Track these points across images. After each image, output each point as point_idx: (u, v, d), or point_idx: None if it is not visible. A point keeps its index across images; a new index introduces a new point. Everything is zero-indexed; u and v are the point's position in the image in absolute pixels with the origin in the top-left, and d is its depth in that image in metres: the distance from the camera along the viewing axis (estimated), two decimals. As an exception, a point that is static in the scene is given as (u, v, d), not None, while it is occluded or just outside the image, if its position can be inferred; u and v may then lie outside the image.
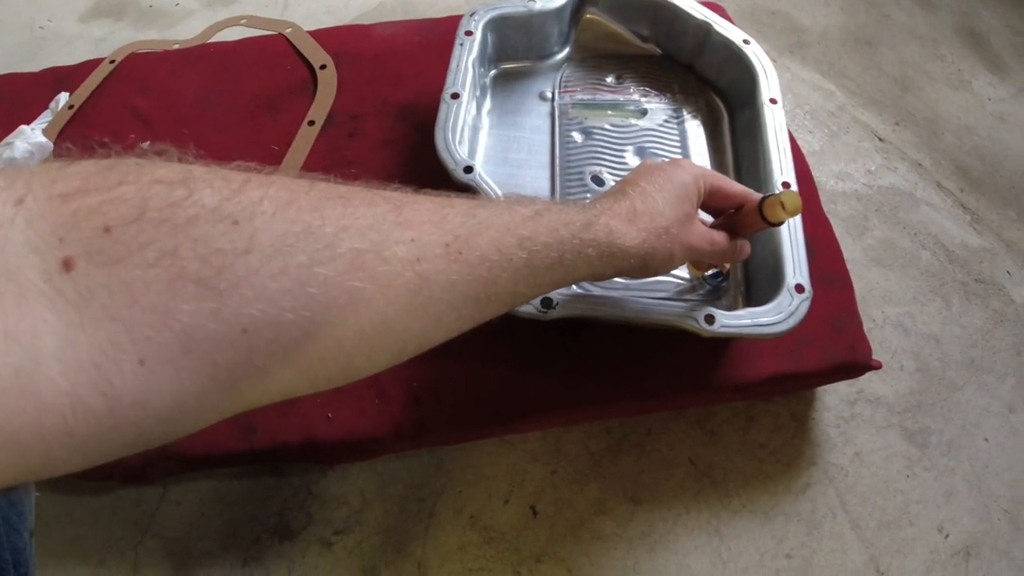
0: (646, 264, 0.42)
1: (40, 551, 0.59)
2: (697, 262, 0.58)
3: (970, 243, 0.82)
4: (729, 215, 0.51)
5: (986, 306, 0.78)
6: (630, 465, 0.64)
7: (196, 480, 0.63)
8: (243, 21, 0.92)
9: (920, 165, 0.89)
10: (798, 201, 0.46)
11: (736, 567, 0.61)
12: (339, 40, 0.79)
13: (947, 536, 0.64)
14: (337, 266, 0.26)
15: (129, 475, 0.58)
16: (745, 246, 0.51)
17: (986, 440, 0.69)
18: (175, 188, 0.23)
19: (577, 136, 0.68)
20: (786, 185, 0.59)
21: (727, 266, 0.61)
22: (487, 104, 0.70)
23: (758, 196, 0.48)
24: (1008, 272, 0.81)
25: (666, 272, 0.45)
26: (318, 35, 0.81)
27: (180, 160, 0.26)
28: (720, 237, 0.48)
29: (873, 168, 0.87)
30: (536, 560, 0.60)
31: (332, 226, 0.26)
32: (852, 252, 0.77)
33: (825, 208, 0.70)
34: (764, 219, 0.47)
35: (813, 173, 0.73)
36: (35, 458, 0.21)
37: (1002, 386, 0.73)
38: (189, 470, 0.59)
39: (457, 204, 0.33)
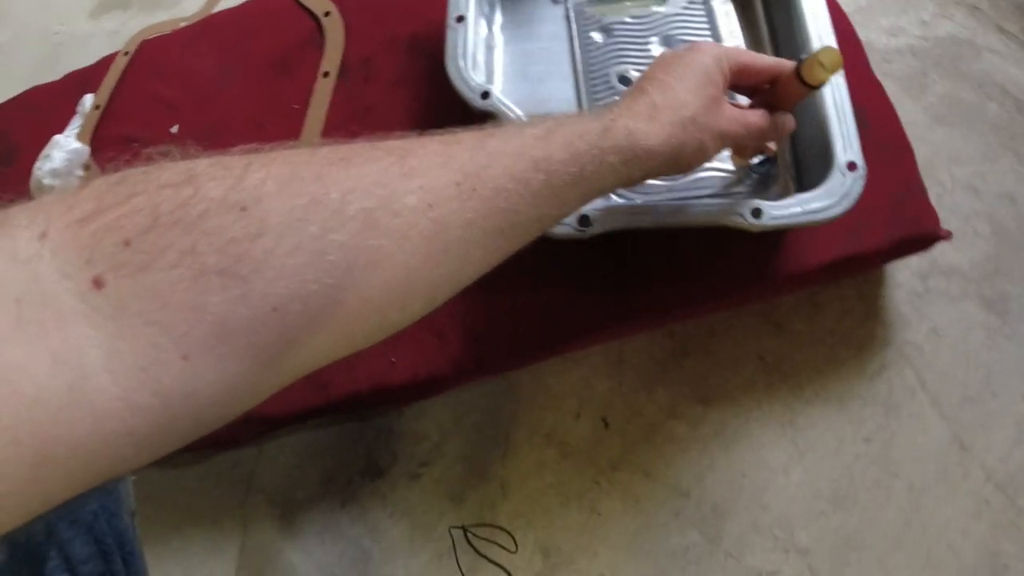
0: (676, 160, 0.40)
1: (154, 523, 0.65)
2: (739, 149, 0.55)
3: (1043, 88, 0.75)
4: (765, 91, 0.48)
5: (1064, 153, 0.71)
6: (696, 367, 0.64)
7: (286, 436, 0.67)
8: (243, -18, 0.90)
9: (977, 8, 0.80)
10: (837, 56, 0.43)
11: (814, 456, 0.61)
12: (340, -17, 0.76)
13: (1036, 407, 0.62)
14: (350, 229, 0.27)
15: (221, 443, 0.62)
16: (788, 120, 0.48)
17: (1072, 301, 0.65)
18: (182, 188, 0.24)
19: (597, 36, 0.65)
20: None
21: (773, 147, 0.57)
22: (498, 19, 0.67)
23: (792, 63, 0.45)
24: (1087, 116, 0.74)
25: (700, 165, 0.43)
26: (319, -17, 0.78)
27: (183, 158, 0.27)
28: (755, 117, 0.45)
29: (927, 18, 0.79)
30: (613, 469, 0.62)
31: (337, 191, 0.27)
32: (912, 114, 0.72)
33: (879, 68, 0.65)
34: (804, 83, 0.44)
35: (861, 32, 0.66)
36: (104, 460, 0.23)
37: (1086, 241, 0.68)
38: (275, 429, 0.63)
39: (464, 140, 0.33)
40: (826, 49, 0.43)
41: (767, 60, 0.46)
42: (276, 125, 0.72)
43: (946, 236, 0.59)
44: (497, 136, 0.33)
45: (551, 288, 0.58)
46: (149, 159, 0.26)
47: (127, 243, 0.23)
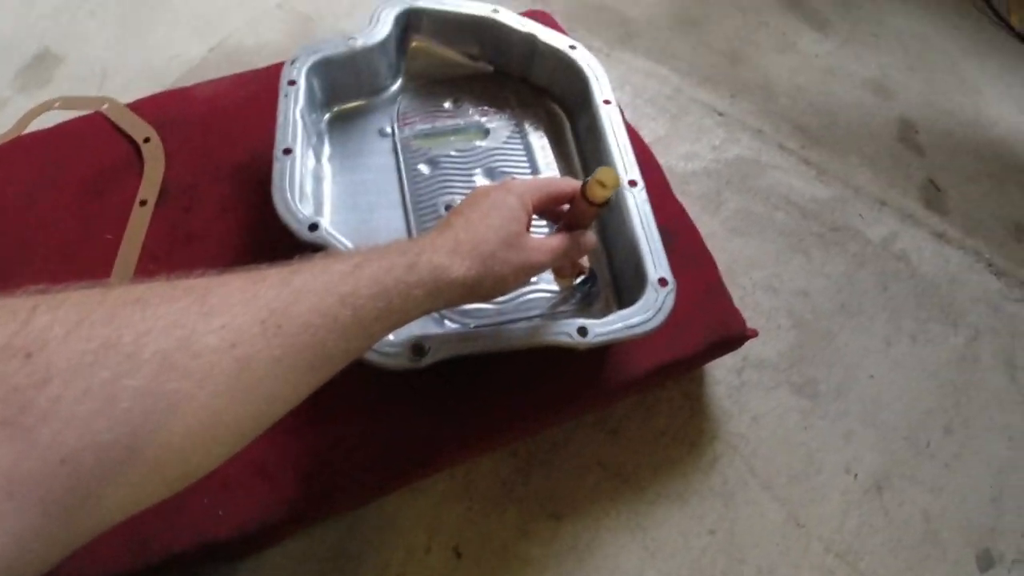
0: (475, 291, 0.43)
1: None
2: (557, 270, 0.59)
3: (819, 195, 0.87)
4: (565, 213, 0.52)
5: (845, 251, 0.83)
6: (542, 482, 0.64)
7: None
8: (57, 104, 0.85)
9: (761, 131, 0.93)
10: (613, 173, 0.47)
11: (664, 555, 0.62)
12: (161, 108, 0.74)
13: (856, 476, 0.68)
14: (145, 373, 0.25)
15: None
16: (588, 237, 0.52)
17: (871, 377, 0.74)
18: None
19: (424, 168, 0.67)
20: (632, 183, 0.60)
21: (585, 265, 0.61)
22: (326, 151, 0.67)
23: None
24: (860, 215, 0.86)
25: (501, 294, 0.46)
26: (138, 106, 0.76)
27: None
28: (558, 242, 0.49)
29: (717, 143, 0.91)
30: (468, 602, 0.59)
31: (131, 333, 0.26)
32: (711, 227, 0.80)
33: (679, 189, 0.72)
34: (590, 202, 0.48)
35: (662, 158, 0.75)
36: None
37: (875, 323, 0.77)
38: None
39: (269, 276, 0.32)
40: (604, 169, 0.47)
41: (566, 185, 0.50)
42: (87, 255, 0.66)
43: (753, 335, 0.65)
44: (304, 272, 0.34)
45: (387, 419, 0.57)
46: None
47: None
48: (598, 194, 0.48)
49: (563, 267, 0.58)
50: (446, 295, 0.40)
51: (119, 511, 0.26)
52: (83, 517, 0.24)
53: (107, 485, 0.24)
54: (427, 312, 0.40)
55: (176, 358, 0.26)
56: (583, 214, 0.50)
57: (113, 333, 0.25)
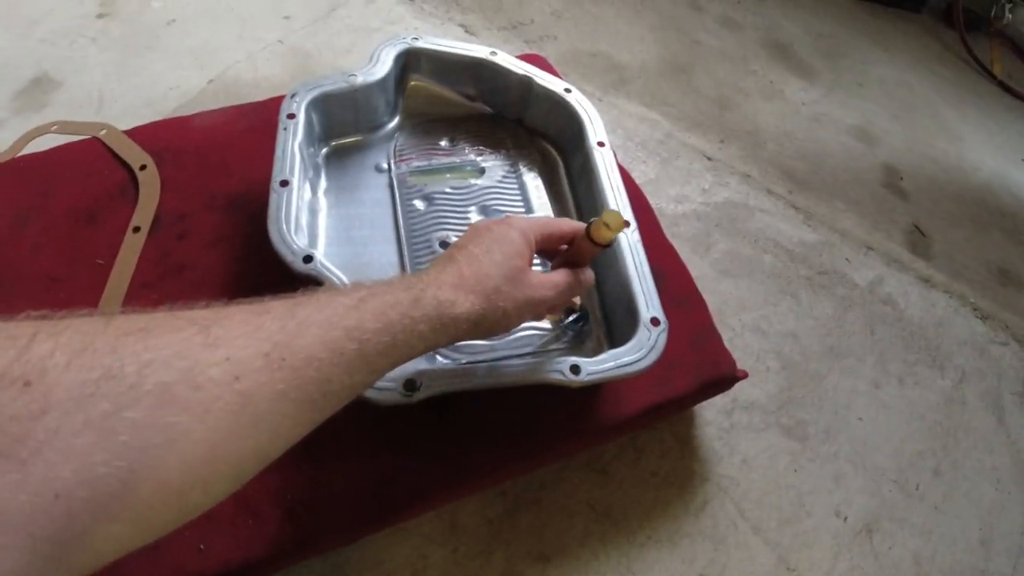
0: (479, 326, 0.42)
1: None
2: (551, 308, 0.59)
3: (806, 239, 0.89)
4: (564, 252, 0.52)
5: (833, 295, 0.84)
6: (531, 523, 0.63)
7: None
8: (54, 128, 0.85)
9: (749, 176, 0.95)
10: (619, 217, 0.48)
11: (653, 600, 0.61)
12: (158, 136, 0.75)
13: (846, 519, 0.67)
14: (145, 405, 0.25)
15: None
16: (588, 275, 0.52)
17: (860, 419, 0.74)
18: None
19: (419, 204, 0.68)
20: (626, 223, 0.61)
21: (577, 301, 0.61)
22: (322, 184, 0.68)
23: (583, 225, 0.50)
24: (847, 259, 0.88)
25: (506, 330, 0.46)
26: (135, 133, 0.76)
27: None
28: (560, 278, 0.49)
29: (707, 186, 0.92)
30: (452, 648, 0.57)
31: (133, 364, 0.25)
32: (701, 269, 0.81)
33: (669, 231, 0.73)
34: (594, 242, 0.49)
35: (653, 200, 0.76)
36: None
37: (863, 366, 0.78)
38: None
39: (273, 308, 0.32)
40: (610, 212, 0.48)
41: (567, 225, 0.51)
42: (76, 281, 0.66)
43: (743, 376, 0.65)
44: (308, 305, 0.33)
45: (375, 457, 0.56)
46: None
47: None
48: (604, 236, 0.48)
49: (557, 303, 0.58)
50: (451, 331, 0.40)
51: (111, 551, 0.25)
52: (73, 556, 0.23)
53: (100, 521, 0.24)
54: (432, 348, 0.40)
55: (177, 390, 0.26)
56: (584, 253, 0.51)
57: (115, 363, 0.25)
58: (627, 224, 0.61)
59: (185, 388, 0.26)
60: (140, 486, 0.24)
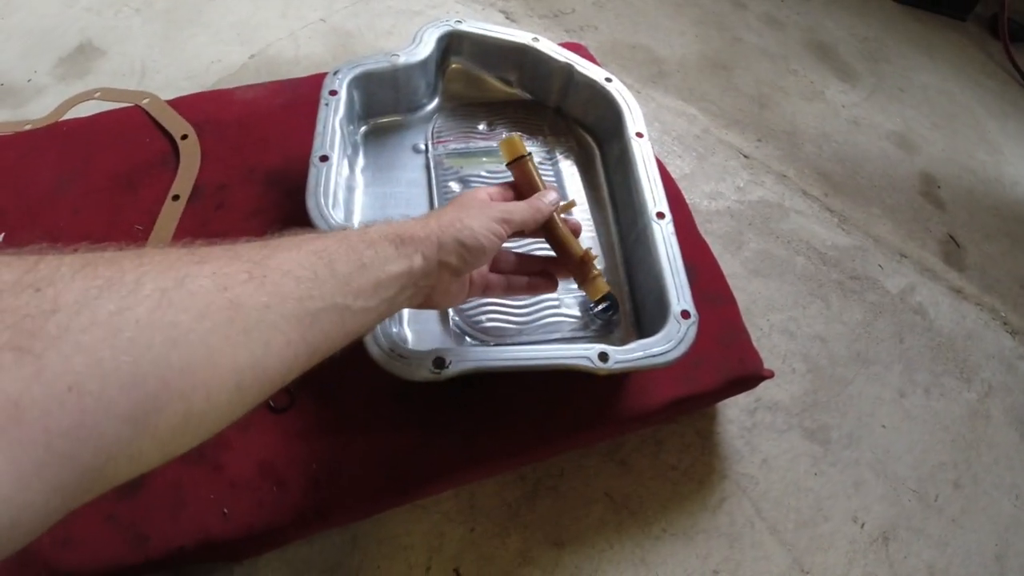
0: (444, 246, 0.44)
1: None
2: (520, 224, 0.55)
3: (840, 243, 0.88)
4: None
5: (864, 300, 0.83)
6: (548, 509, 0.63)
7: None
8: (97, 95, 0.87)
9: (785, 176, 0.94)
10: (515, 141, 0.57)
11: (665, 593, 0.61)
12: (200, 107, 0.76)
13: (863, 525, 0.67)
14: (146, 306, 0.26)
15: None
16: (549, 196, 0.55)
17: (883, 427, 0.73)
18: None
19: (454, 186, 0.68)
20: (660, 215, 0.61)
21: (602, 288, 0.57)
22: (360, 162, 0.68)
23: (546, 192, 0.55)
24: (880, 265, 0.87)
25: (481, 254, 0.47)
26: (177, 104, 0.77)
27: None
28: (515, 207, 0.52)
29: (742, 184, 0.91)
30: (465, 625, 0.58)
31: (132, 273, 0.27)
32: (732, 267, 0.80)
33: (702, 228, 0.73)
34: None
35: (686, 195, 0.75)
36: None
37: (890, 373, 0.77)
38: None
39: (247, 243, 0.35)
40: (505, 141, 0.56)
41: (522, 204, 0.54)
42: (114, 245, 0.67)
43: (769, 375, 0.65)
44: (278, 238, 0.37)
45: (399, 432, 0.57)
46: None
47: None
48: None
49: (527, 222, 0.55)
50: (420, 251, 0.43)
51: (122, 456, 0.26)
52: (86, 457, 0.24)
53: (110, 419, 0.24)
54: (408, 274, 0.42)
55: (174, 295, 0.28)
56: (518, 180, 0.57)
57: (116, 273, 0.26)
58: (660, 215, 0.60)
59: (180, 293, 0.28)
60: (146, 382, 0.26)
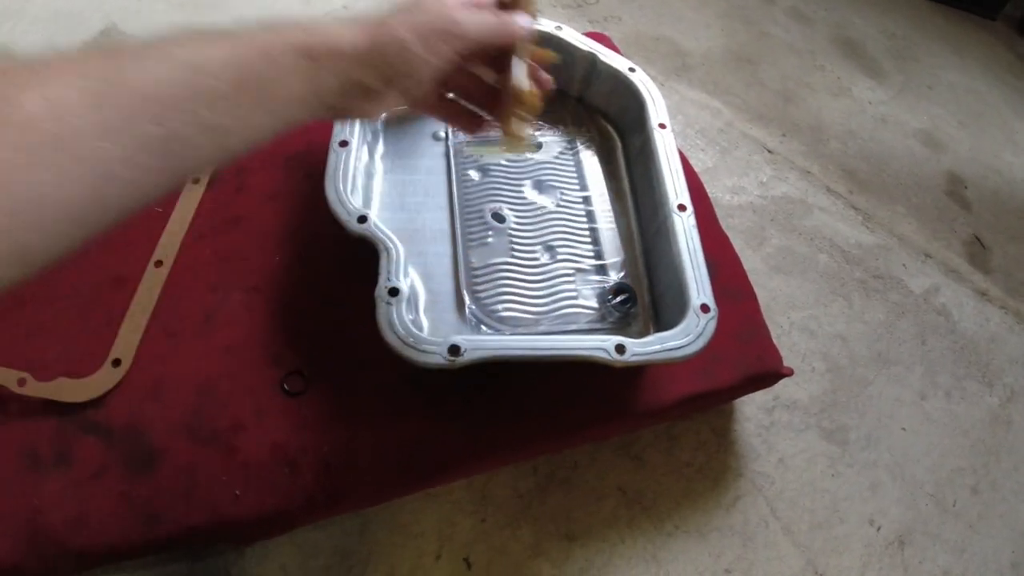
0: (368, 62, 0.35)
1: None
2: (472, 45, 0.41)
3: (864, 241, 0.86)
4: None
5: (886, 300, 0.81)
6: (560, 502, 0.63)
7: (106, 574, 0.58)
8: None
9: (809, 172, 0.93)
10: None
11: (677, 590, 0.61)
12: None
13: (879, 528, 0.66)
14: None
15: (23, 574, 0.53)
16: (522, 19, 0.43)
17: (903, 429, 0.72)
18: None
19: (474, 174, 0.68)
20: (682, 207, 0.60)
21: (517, 132, 0.47)
22: (380, 148, 0.68)
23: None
24: (904, 265, 0.85)
25: (416, 71, 0.37)
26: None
27: None
28: (483, 11, 0.40)
29: (765, 179, 0.90)
30: (474, 615, 0.58)
31: None
32: (753, 262, 0.79)
33: (723, 222, 0.72)
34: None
35: (708, 189, 0.74)
36: None
37: (911, 375, 0.76)
38: (91, 567, 0.54)
39: (106, 53, 0.29)
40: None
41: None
42: (134, 226, 0.67)
43: (788, 373, 0.64)
44: (146, 44, 0.30)
45: (413, 420, 0.56)
46: None
47: None
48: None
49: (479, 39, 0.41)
50: (330, 65, 0.34)
51: None
52: None
53: None
54: (311, 96, 0.34)
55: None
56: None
57: None
58: (681, 208, 0.60)
59: (7, 131, 0.25)
60: None
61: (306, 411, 0.57)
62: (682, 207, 0.60)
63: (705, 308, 0.55)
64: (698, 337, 0.53)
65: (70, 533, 0.51)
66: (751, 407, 0.70)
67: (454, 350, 0.50)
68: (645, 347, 0.52)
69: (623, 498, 0.64)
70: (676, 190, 0.60)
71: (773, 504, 0.66)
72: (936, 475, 0.70)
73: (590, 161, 0.70)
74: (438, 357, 0.50)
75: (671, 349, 0.52)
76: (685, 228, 0.58)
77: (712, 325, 0.54)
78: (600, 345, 0.51)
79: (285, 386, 0.57)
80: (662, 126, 0.65)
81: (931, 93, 1.10)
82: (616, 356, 0.51)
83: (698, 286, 0.56)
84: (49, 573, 0.54)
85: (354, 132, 0.61)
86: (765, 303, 0.68)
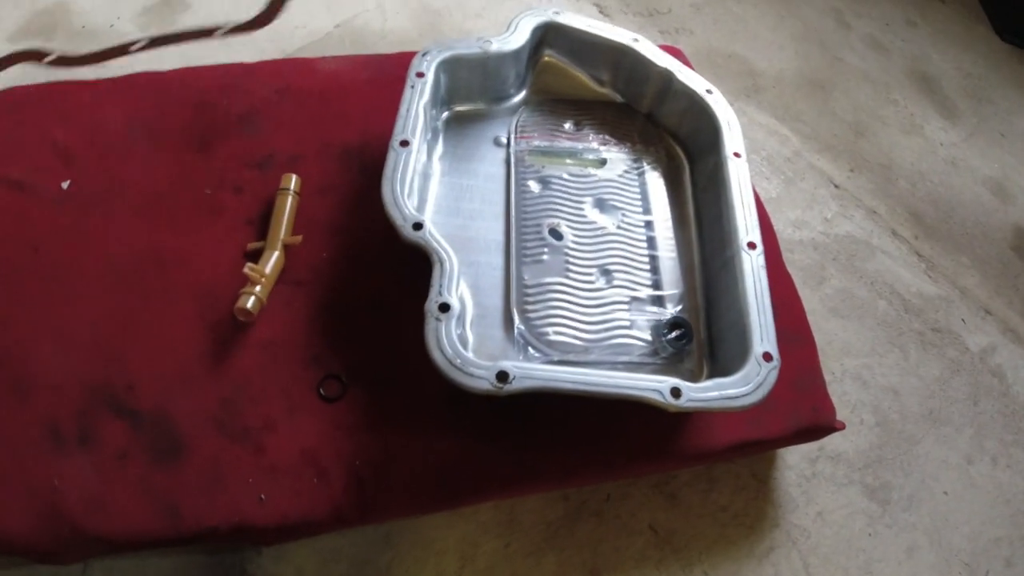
0: None
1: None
2: None
3: (925, 291, 0.82)
4: None
5: (943, 356, 0.78)
6: (588, 534, 0.60)
7: (119, 559, 0.56)
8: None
9: (875, 212, 0.89)
10: None
11: (699, 640, 0.59)
12: (281, 74, 0.74)
13: (910, 596, 0.63)
14: None
15: (45, 557, 0.52)
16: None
17: (945, 493, 0.69)
18: None
19: (534, 185, 0.65)
20: (752, 245, 0.57)
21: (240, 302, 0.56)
22: (439, 149, 0.66)
23: None
24: (963, 320, 0.82)
25: None
26: (259, 68, 0.75)
27: None
28: None
29: (829, 216, 0.87)
30: (489, 644, 0.56)
31: None
32: (810, 303, 0.76)
33: (783, 258, 0.69)
34: None
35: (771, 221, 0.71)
36: None
37: (960, 437, 0.73)
38: (112, 553, 0.53)
39: None
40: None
41: None
42: (180, 204, 0.66)
43: (840, 427, 0.61)
44: None
45: (451, 438, 0.55)
46: None
47: None
48: None
49: None
50: None
51: None
52: None
53: None
54: None
55: None
56: None
57: None
58: (751, 246, 0.57)
59: None
60: None
61: (341, 418, 0.55)
62: (752, 245, 0.57)
63: (768, 356, 0.52)
64: (758, 387, 0.51)
65: (87, 516, 0.50)
66: (794, 455, 0.67)
67: (502, 376, 0.48)
68: (702, 392, 0.50)
69: (654, 537, 0.61)
70: (747, 226, 0.58)
71: (807, 559, 0.63)
72: (974, 544, 0.67)
73: (655, 183, 0.67)
74: (485, 383, 0.48)
75: (730, 397, 0.50)
76: (754, 268, 0.56)
77: (774, 375, 0.51)
78: (656, 387, 0.49)
79: (321, 390, 0.56)
80: (736, 155, 0.62)
81: (1004, 140, 1.05)
82: (671, 400, 0.49)
83: (762, 332, 0.53)
84: (61, 554, 0.53)
85: (416, 131, 0.59)
86: (820, 346, 0.65)
